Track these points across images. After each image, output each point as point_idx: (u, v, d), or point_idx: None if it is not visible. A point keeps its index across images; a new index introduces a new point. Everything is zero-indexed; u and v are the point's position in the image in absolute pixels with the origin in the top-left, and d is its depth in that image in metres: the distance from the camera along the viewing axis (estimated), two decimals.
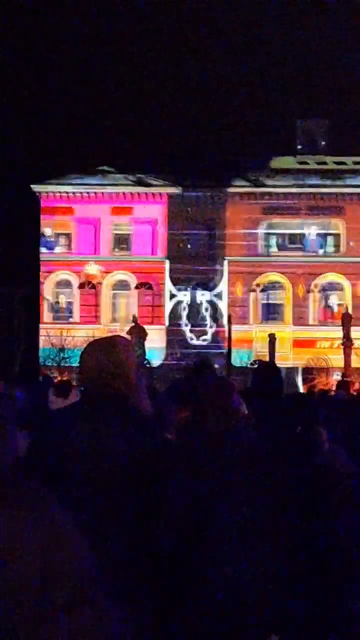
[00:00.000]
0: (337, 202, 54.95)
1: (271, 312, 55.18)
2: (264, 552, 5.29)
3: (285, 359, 51.02)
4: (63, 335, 50.49)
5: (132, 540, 4.29)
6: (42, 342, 52.42)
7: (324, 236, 55.48)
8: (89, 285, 54.50)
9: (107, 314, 54.89)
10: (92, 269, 54.44)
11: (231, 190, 55.01)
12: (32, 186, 54.93)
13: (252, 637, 5.37)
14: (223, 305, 54.82)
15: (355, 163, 55.59)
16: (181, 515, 5.27)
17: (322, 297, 55.00)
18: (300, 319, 54.32)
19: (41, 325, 53.17)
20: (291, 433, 6.92)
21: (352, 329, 52.42)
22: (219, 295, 55.06)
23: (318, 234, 55.27)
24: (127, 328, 47.49)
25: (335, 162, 55.66)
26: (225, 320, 54.17)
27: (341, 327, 46.53)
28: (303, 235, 55.36)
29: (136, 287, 54.56)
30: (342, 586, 6.60)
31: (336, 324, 53.75)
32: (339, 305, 54.65)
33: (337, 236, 55.36)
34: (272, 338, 42.81)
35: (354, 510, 6.87)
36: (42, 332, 52.73)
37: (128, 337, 45.32)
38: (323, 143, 56.65)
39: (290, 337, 53.28)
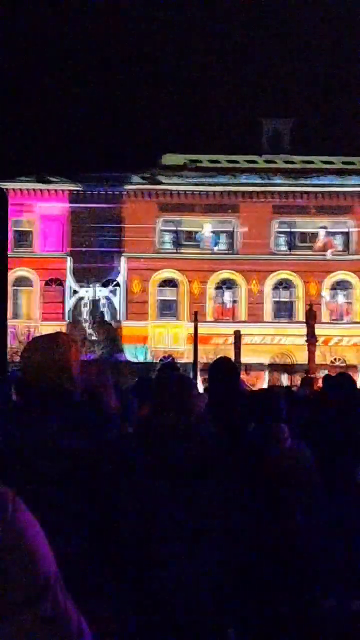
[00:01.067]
0: (233, 200, 55.58)
1: (167, 309, 55.59)
2: (221, 547, 5.34)
3: (181, 354, 51.61)
4: (30, 332, 50.37)
5: (84, 539, 4.32)
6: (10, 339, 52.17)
7: (218, 234, 56.06)
8: None
9: (8, 310, 54.61)
10: None
11: (129, 187, 55.31)
12: None
13: (209, 632, 5.38)
14: (121, 302, 55.10)
15: (305, 162, 56.41)
16: (136, 511, 5.53)
17: (216, 294, 55.59)
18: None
19: None
20: (247, 429, 7.11)
21: (254, 325, 53.35)
22: (117, 292, 55.30)
23: (213, 232, 55.82)
24: (31, 324, 47.73)
25: (246, 161, 56.33)
26: (121, 316, 54.50)
27: (305, 325, 46.79)
28: (198, 232, 55.94)
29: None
30: (300, 580, 6.86)
31: (232, 320, 54.48)
32: (234, 302, 55.37)
33: (231, 234, 55.99)
34: (237, 335, 42.92)
35: (314, 506, 7.16)
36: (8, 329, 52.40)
37: (96, 334, 45.16)
38: (287, 142, 57.27)
39: (186, 334, 53.78)
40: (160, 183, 55.30)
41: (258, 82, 67.71)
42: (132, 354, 49.75)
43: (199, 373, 46.86)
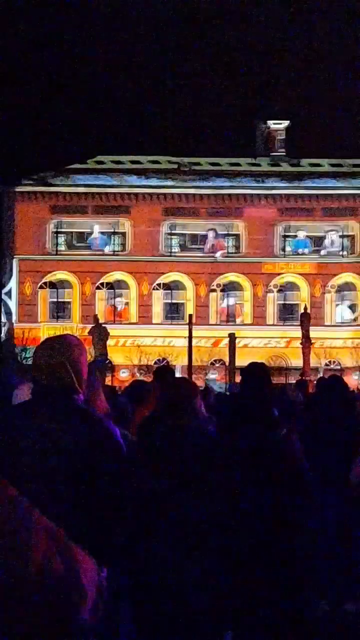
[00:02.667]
0: (123, 201, 55.68)
1: (60, 310, 55.39)
2: (218, 547, 5.49)
3: None
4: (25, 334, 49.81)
5: (82, 533, 4.21)
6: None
7: (110, 235, 56.09)
8: None
9: None
10: None
11: (19, 189, 54.93)
12: None
13: (208, 634, 5.53)
14: (13, 304, 54.71)
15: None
16: (135, 510, 5.56)
17: (108, 296, 55.60)
18: (87, 317, 54.72)
19: None
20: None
21: (145, 326, 53.47)
22: (9, 294, 54.89)
23: (104, 233, 55.83)
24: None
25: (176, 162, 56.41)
26: (14, 319, 54.09)
27: (300, 326, 46.88)
28: (90, 233, 55.90)
29: None
30: (297, 583, 6.95)
31: (123, 322, 54.51)
32: (126, 304, 55.44)
33: (123, 235, 56.07)
34: (232, 338, 42.84)
35: (307, 505, 7.26)
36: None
37: (89, 337, 44.78)
38: (282, 145, 57.23)
39: (77, 335, 53.58)
40: (51, 185, 55.06)
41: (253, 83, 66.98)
42: (22, 356, 49.36)
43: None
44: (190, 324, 42.62)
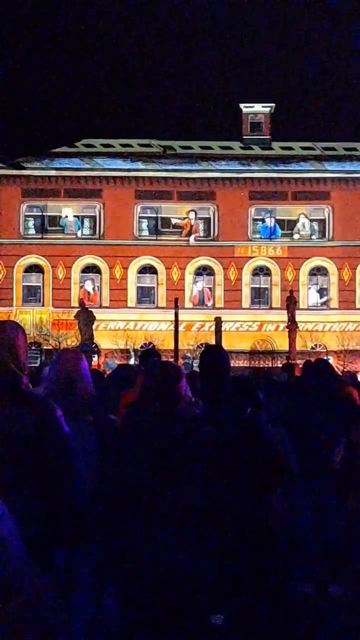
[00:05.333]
0: (95, 184, 55.45)
1: (32, 294, 55.21)
2: (207, 531, 5.46)
3: (46, 340, 51.41)
4: None
5: (34, 520, 4.29)
6: None
7: (81, 219, 55.89)
8: None
9: None
10: None
11: None
12: None
13: (197, 616, 5.50)
14: None
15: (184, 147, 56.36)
16: (120, 498, 5.60)
17: (80, 279, 55.46)
18: (60, 301, 54.61)
19: None
20: (237, 415, 7.22)
21: (117, 310, 53.33)
22: None
23: (76, 216, 55.63)
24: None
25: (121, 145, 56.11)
26: None
27: (285, 311, 46.86)
28: (62, 217, 55.68)
29: None
30: (285, 565, 7.01)
31: (94, 305, 54.42)
32: (96, 288, 55.26)
33: (94, 218, 55.88)
34: (218, 322, 42.89)
35: (292, 491, 7.32)
36: None
37: (74, 320, 44.08)
38: (268, 127, 56.98)
39: (50, 319, 53.56)
40: (23, 168, 54.77)
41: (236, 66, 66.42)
42: None
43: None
44: (176, 307, 42.54)
